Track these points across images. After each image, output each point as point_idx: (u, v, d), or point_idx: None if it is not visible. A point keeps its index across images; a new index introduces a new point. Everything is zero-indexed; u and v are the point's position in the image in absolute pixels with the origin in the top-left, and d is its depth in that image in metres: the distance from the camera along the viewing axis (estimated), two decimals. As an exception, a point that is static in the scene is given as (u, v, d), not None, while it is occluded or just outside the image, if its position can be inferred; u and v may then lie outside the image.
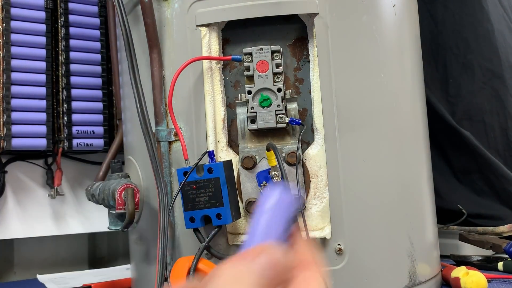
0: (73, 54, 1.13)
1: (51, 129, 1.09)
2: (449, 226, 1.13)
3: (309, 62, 0.74)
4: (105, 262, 1.29)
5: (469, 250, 1.06)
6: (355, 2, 0.74)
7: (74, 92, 1.13)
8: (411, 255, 0.75)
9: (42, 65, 1.08)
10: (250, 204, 0.71)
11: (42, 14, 1.09)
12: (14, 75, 1.05)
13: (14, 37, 1.06)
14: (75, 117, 1.12)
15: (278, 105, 0.70)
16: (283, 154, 0.70)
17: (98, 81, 1.16)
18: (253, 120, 0.71)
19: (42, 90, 1.08)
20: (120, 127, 1.00)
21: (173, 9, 0.76)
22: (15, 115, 1.05)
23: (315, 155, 0.72)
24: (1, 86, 1.04)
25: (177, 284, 0.63)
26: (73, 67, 1.13)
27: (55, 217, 1.17)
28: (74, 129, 1.12)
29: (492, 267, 0.95)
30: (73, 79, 1.13)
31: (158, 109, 0.75)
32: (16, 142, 1.04)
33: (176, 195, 0.70)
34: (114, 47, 1.04)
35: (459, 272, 0.81)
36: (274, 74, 0.71)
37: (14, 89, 1.05)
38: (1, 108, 1.04)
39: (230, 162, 0.71)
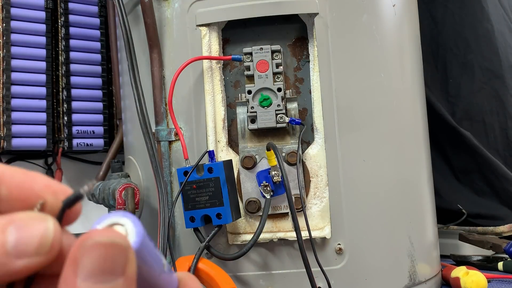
0: (73, 54, 1.13)
1: (51, 129, 1.09)
2: (449, 226, 1.13)
3: (309, 62, 0.74)
4: (105, 262, 1.29)
5: (469, 250, 1.06)
6: (355, 2, 0.74)
7: (74, 92, 1.13)
8: (411, 255, 0.75)
9: (42, 65, 1.08)
10: (250, 203, 0.71)
11: (42, 14, 1.09)
12: (14, 75, 1.05)
13: (14, 37, 1.06)
14: (75, 117, 1.12)
15: (278, 105, 0.70)
16: (283, 154, 0.70)
17: (98, 81, 1.16)
18: (253, 119, 0.71)
19: (42, 90, 1.08)
20: (120, 127, 1.00)
21: (173, 9, 0.76)
22: (15, 115, 1.05)
23: (315, 154, 0.72)
24: (1, 86, 1.04)
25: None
26: (73, 67, 1.13)
27: (55, 217, 1.17)
28: (74, 129, 1.12)
29: (492, 267, 0.95)
30: (73, 79, 1.13)
31: (158, 109, 0.75)
32: (16, 142, 1.04)
33: (178, 196, 0.70)
34: (114, 47, 1.04)
35: (459, 272, 0.81)
36: (274, 74, 0.71)
37: (14, 89, 1.05)
38: (1, 108, 1.04)
39: (230, 161, 0.71)
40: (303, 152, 0.72)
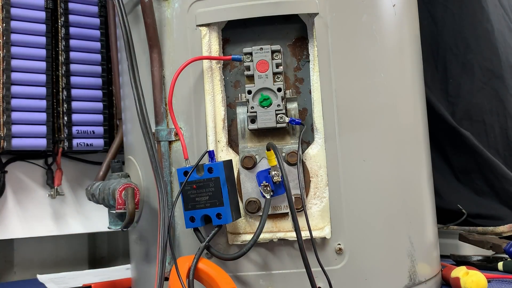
0: (73, 54, 1.13)
1: (51, 129, 1.09)
2: (449, 226, 1.13)
3: (309, 62, 0.74)
4: (105, 262, 1.29)
5: (469, 250, 1.06)
6: (355, 2, 0.74)
7: (74, 92, 1.13)
8: (411, 255, 0.75)
9: (42, 65, 1.09)
10: (250, 203, 0.71)
11: (42, 14, 1.09)
12: (14, 75, 1.05)
13: (14, 37, 1.06)
14: (75, 117, 1.12)
15: (278, 105, 0.70)
16: (283, 154, 0.70)
17: (98, 81, 1.16)
18: (253, 120, 0.71)
19: (42, 90, 1.08)
20: (120, 127, 1.00)
21: (173, 9, 0.76)
22: (15, 115, 1.05)
23: (315, 154, 0.72)
24: (1, 86, 1.04)
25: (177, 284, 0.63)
26: (73, 67, 1.13)
27: (55, 217, 1.17)
28: (74, 129, 1.12)
29: (492, 267, 0.95)
30: (73, 79, 1.13)
31: (158, 109, 0.75)
32: (16, 142, 1.04)
33: (178, 196, 0.70)
34: (114, 47, 1.04)
35: (459, 272, 0.81)
36: (274, 74, 0.71)
37: (14, 89, 1.05)
38: (1, 108, 1.04)
39: (230, 161, 0.71)
40: (303, 152, 0.72)
